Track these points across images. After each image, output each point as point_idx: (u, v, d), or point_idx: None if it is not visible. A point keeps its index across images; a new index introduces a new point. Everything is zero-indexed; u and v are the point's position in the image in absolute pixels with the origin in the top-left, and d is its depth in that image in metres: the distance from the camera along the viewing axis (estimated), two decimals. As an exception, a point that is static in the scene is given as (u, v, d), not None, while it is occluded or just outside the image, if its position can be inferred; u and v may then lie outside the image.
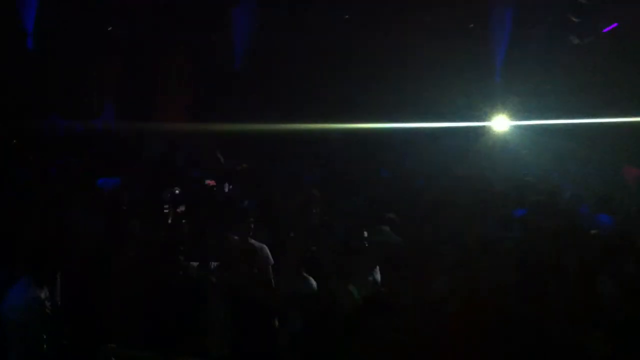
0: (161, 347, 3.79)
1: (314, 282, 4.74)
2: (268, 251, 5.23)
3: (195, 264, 4.64)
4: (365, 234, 5.58)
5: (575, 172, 9.80)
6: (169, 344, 3.88)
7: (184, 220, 6.18)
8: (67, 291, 4.14)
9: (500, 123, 11.43)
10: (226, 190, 8.16)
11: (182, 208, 6.63)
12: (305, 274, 4.77)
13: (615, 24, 11.05)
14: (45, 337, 3.73)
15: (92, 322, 4.03)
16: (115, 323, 4.08)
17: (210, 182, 8.15)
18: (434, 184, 8.76)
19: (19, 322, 3.73)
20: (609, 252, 4.91)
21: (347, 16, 11.30)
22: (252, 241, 5.22)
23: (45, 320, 3.74)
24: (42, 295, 3.81)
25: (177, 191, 6.96)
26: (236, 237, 5.24)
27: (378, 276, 5.11)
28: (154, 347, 3.81)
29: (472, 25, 11.81)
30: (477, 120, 11.44)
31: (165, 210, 6.46)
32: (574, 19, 10.54)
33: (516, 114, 11.21)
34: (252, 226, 5.38)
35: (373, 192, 7.95)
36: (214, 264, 4.70)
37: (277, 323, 4.54)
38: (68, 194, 6.59)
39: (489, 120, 11.47)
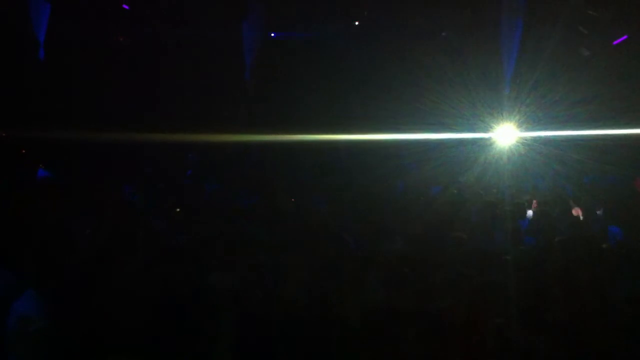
0: (164, 354, 3.77)
1: (318, 292, 4.69)
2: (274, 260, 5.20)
3: (201, 270, 4.62)
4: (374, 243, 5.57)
5: (585, 183, 9.75)
6: (172, 351, 3.85)
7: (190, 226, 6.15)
8: (70, 297, 4.11)
9: (509, 134, 11.39)
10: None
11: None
12: (310, 283, 4.73)
13: (625, 36, 11.03)
14: (46, 346, 3.71)
15: (95, 328, 3.99)
16: (117, 329, 4.04)
17: None
18: (442, 195, 8.74)
19: (19, 331, 3.71)
20: (620, 265, 4.87)
21: (356, 23, 11.28)
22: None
23: (47, 329, 3.72)
24: (45, 303, 3.79)
25: None
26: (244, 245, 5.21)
27: (385, 286, 5.06)
28: (157, 353, 3.79)
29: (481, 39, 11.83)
30: (486, 132, 11.42)
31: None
32: (584, 31, 10.54)
33: (525, 125, 11.17)
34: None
35: (382, 201, 7.94)
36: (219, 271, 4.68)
37: (280, 331, 4.50)
38: (72, 199, 6.59)
39: (497, 132, 11.44)
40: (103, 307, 4.00)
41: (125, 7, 11.20)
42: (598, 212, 7.93)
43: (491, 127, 11.37)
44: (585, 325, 4.00)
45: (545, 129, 10.83)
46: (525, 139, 11.15)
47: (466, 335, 3.92)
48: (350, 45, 11.56)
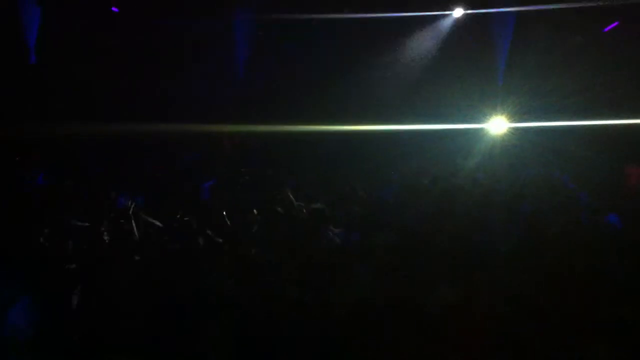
0: (164, 354, 3.73)
1: (313, 288, 4.64)
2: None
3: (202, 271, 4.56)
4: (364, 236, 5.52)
5: (578, 173, 9.75)
6: (170, 354, 3.82)
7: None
8: (69, 298, 4.06)
9: (502, 125, 11.42)
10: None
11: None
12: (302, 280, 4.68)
13: (615, 23, 11.01)
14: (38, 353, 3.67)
15: (94, 329, 3.95)
16: (117, 330, 3.99)
17: None
18: (436, 186, 8.70)
19: (9, 340, 3.67)
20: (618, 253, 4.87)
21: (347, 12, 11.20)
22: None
23: (37, 337, 3.67)
24: (36, 311, 3.75)
25: None
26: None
27: (377, 280, 5.01)
28: (154, 356, 3.75)
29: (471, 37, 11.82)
30: (479, 122, 11.45)
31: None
32: (576, 21, 10.53)
33: (518, 115, 11.19)
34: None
35: (374, 194, 7.90)
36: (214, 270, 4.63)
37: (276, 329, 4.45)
38: (69, 199, 6.53)
39: (490, 122, 11.47)
40: (102, 307, 3.96)
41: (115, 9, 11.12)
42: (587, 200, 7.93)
43: (484, 118, 11.39)
44: (585, 318, 3.99)
45: (538, 119, 10.84)
46: (519, 129, 11.18)
47: (463, 329, 3.90)
48: (343, 35, 11.50)
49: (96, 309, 3.94)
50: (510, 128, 11.38)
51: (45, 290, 3.87)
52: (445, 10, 11.50)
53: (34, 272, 3.90)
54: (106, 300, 4.05)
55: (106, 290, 4.15)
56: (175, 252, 4.80)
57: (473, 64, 11.49)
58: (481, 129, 11.49)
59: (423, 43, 11.75)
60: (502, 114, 11.39)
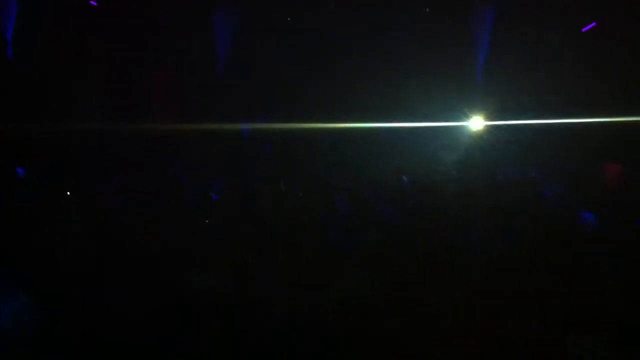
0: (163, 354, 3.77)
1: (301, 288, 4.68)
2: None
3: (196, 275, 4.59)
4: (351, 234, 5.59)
5: (556, 172, 9.92)
6: (172, 351, 3.86)
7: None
8: (66, 299, 4.08)
9: (481, 123, 11.54)
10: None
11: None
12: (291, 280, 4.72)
13: (593, 24, 11.21)
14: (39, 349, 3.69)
15: (93, 329, 3.97)
16: (115, 330, 4.02)
17: None
18: (417, 184, 8.81)
19: (12, 335, 3.68)
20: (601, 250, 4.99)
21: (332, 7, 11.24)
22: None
23: (39, 334, 3.69)
24: (30, 308, 3.76)
25: None
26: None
27: (365, 280, 5.07)
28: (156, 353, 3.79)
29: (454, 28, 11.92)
30: (458, 121, 11.55)
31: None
32: (555, 19, 10.69)
33: (497, 113, 11.32)
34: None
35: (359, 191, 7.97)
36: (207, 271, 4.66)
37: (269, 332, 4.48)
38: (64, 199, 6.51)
39: (469, 121, 11.59)
40: (100, 308, 3.98)
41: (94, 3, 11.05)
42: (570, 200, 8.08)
43: (464, 116, 11.51)
44: (570, 315, 4.08)
45: (517, 117, 10.98)
46: (498, 127, 11.31)
47: (454, 329, 3.97)
48: (326, 35, 11.55)
49: (95, 309, 3.96)
50: (488, 126, 11.51)
51: (44, 290, 3.89)
52: (426, 9, 11.59)
53: (33, 272, 3.92)
54: (105, 300, 4.07)
55: (105, 290, 4.17)
56: (174, 252, 4.83)
57: (453, 62, 11.60)
58: (461, 127, 11.61)
59: (404, 41, 11.82)
60: (481, 112, 11.52)
